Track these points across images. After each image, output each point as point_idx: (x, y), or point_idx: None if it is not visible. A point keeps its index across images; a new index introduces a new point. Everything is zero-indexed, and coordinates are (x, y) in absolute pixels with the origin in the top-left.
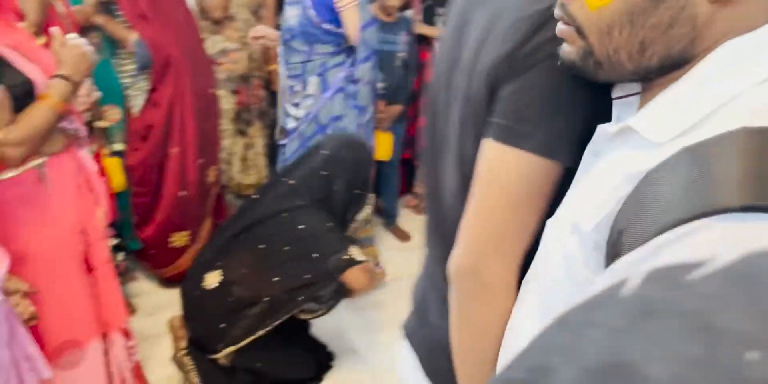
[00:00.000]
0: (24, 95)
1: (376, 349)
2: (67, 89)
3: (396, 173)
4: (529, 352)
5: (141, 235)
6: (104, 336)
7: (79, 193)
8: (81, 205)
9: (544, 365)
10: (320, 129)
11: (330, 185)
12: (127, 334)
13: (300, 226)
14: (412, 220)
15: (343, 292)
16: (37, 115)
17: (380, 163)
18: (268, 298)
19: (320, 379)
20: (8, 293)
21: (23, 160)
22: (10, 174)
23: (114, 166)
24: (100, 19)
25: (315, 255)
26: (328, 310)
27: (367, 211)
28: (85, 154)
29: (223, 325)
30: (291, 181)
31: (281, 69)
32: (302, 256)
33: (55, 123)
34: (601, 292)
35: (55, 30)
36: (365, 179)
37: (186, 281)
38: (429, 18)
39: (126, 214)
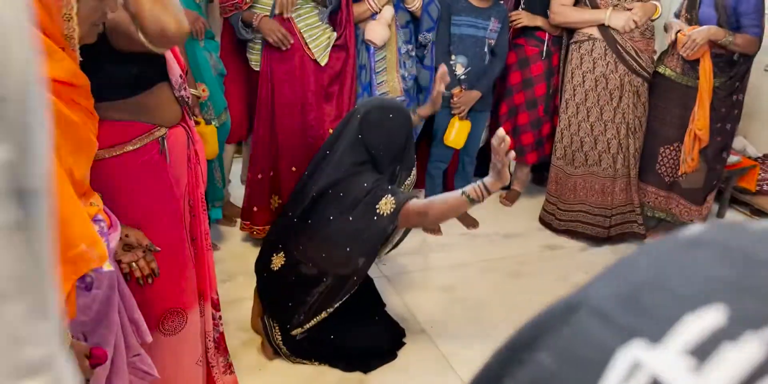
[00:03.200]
0: None
1: (443, 332)
2: None
3: (473, 163)
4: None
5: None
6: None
7: (189, 164)
8: (190, 177)
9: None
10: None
11: (367, 149)
12: (216, 304)
13: (341, 195)
14: (480, 208)
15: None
16: None
17: (460, 151)
18: (332, 276)
19: (394, 354)
20: (130, 247)
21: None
22: (137, 145)
23: (211, 134)
24: None
25: (355, 227)
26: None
27: (413, 175)
28: (193, 124)
29: (291, 304)
30: (335, 153)
31: (399, 32)
32: (344, 228)
33: None
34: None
35: None
36: (403, 144)
37: (257, 261)
38: (539, 8)
39: (213, 183)
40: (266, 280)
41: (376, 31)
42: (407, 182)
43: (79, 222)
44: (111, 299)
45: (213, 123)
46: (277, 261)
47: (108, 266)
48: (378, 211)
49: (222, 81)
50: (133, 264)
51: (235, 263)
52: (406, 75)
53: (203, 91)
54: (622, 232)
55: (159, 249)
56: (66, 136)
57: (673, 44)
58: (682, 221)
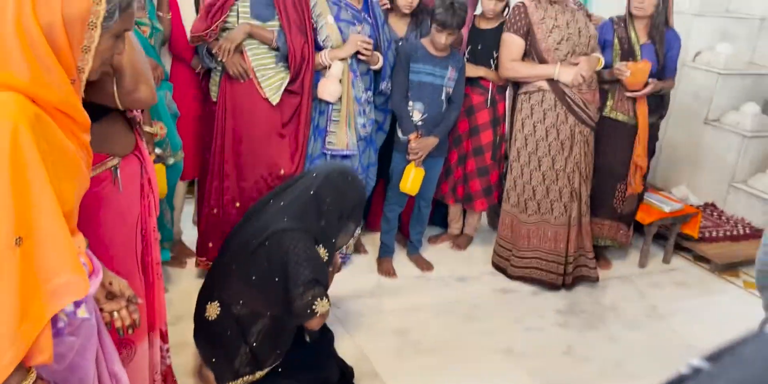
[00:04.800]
0: None
1: (396, 374)
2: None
3: (428, 207)
4: None
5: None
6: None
7: (142, 193)
8: (142, 206)
9: None
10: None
11: (318, 206)
12: (164, 336)
13: (285, 260)
14: (434, 251)
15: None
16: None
17: (416, 197)
18: (269, 314)
19: None
20: (113, 295)
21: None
22: (91, 174)
23: (160, 172)
24: (247, 28)
25: (291, 295)
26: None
27: (351, 242)
28: (147, 152)
29: (224, 357)
30: (281, 202)
31: (355, 82)
32: (286, 293)
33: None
34: None
35: None
36: (354, 209)
37: (196, 307)
38: (482, 60)
39: (162, 223)
40: (202, 330)
41: (326, 90)
42: (341, 247)
43: (66, 250)
44: (87, 349)
45: (170, 161)
46: (212, 310)
47: (83, 313)
48: (314, 308)
49: (175, 121)
50: (115, 313)
51: (183, 306)
52: (366, 122)
53: (161, 128)
54: (576, 276)
55: (142, 301)
56: (61, 161)
57: (622, 88)
58: (622, 245)
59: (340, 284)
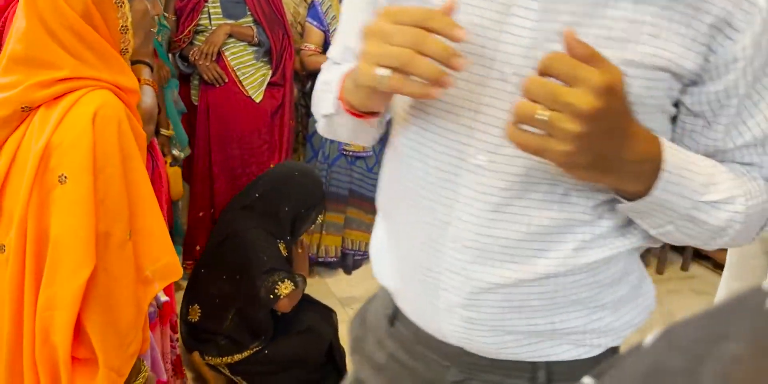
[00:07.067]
0: None
1: None
2: (150, 71)
3: None
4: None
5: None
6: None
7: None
8: None
9: None
10: None
11: (273, 209)
12: (173, 326)
13: (243, 259)
14: None
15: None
16: (147, 95)
17: None
18: (238, 304)
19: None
20: None
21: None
22: None
23: (175, 175)
24: (227, 28)
25: (255, 288)
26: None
27: (311, 226)
28: (158, 148)
29: (213, 345)
30: (246, 201)
31: None
32: (252, 286)
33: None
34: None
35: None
36: (311, 205)
37: (181, 308)
38: None
39: (177, 222)
40: (188, 330)
41: None
42: (303, 230)
43: (163, 234)
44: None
45: (180, 155)
46: (194, 313)
47: (163, 296)
48: (276, 292)
49: (181, 117)
50: None
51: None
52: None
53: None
54: None
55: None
56: (140, 147)
57: None
58: None
59: (355, 285)
